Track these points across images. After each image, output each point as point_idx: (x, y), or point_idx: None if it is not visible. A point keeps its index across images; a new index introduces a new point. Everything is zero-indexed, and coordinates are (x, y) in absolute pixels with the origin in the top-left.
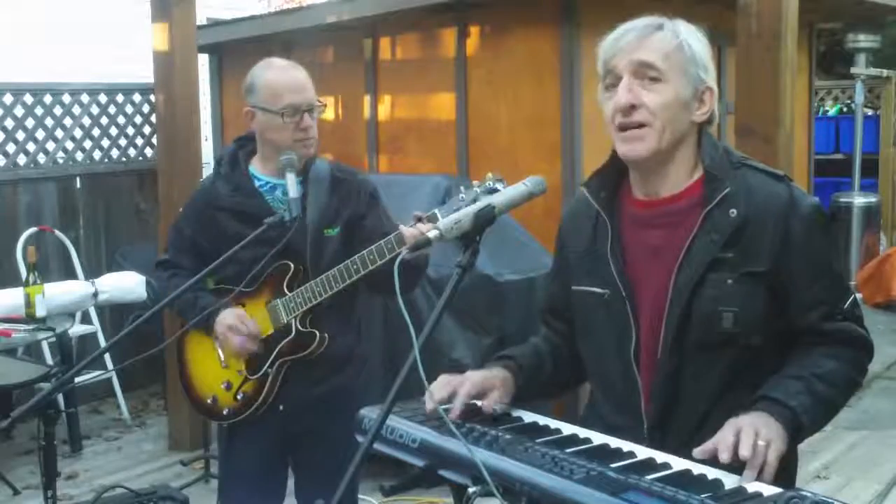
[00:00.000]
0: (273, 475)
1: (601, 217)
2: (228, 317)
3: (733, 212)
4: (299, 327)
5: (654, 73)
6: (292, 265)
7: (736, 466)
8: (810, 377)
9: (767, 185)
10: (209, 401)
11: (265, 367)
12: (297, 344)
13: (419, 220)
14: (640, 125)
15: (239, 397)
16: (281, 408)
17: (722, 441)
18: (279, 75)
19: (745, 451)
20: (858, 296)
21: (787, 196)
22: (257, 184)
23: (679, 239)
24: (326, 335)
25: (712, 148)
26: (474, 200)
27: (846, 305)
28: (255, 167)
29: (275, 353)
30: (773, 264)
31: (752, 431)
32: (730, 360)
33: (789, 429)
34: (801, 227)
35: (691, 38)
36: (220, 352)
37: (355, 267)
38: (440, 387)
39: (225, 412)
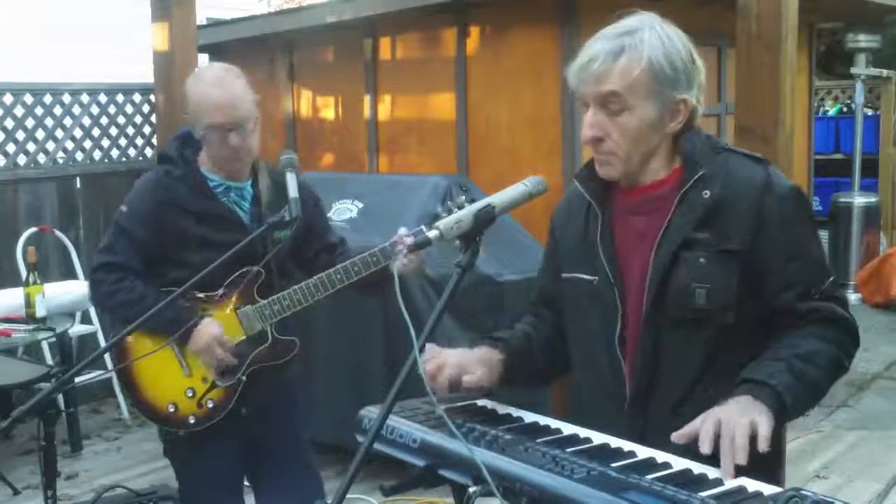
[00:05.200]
0: (234, 477)
1: (592, 207)
2: (211, 329)
3: (706, 193)
4: (276, 335)
5: (618, 104)
6: (263, 271)
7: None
8: (790, 357)
9: (745, 167)
10: (169, 409)
11: (239, 374)
12: (274, 352)
13: (409, 247)
14: (607, 153)
15: (209, 405)
16: (243, 411)
17: (703, 432)
18: (207, 92)
19: (725, 442)
20: (857, 296)
21: (763, 177)
22: (211, 184)
23: (659, 222)
24: (298, 341)
25: (694, 135)
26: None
27: (825, 286)
28: (205, 167)
29: (249, 359)
30: (748, 244)
31: (731, 423)
32: (706, 340)
33: (774, 408)
34: (775, 207)
35: (656, 53)
36: (179, 359)
37: (339, 277)
38: (428, 359)
39: (191, 420)
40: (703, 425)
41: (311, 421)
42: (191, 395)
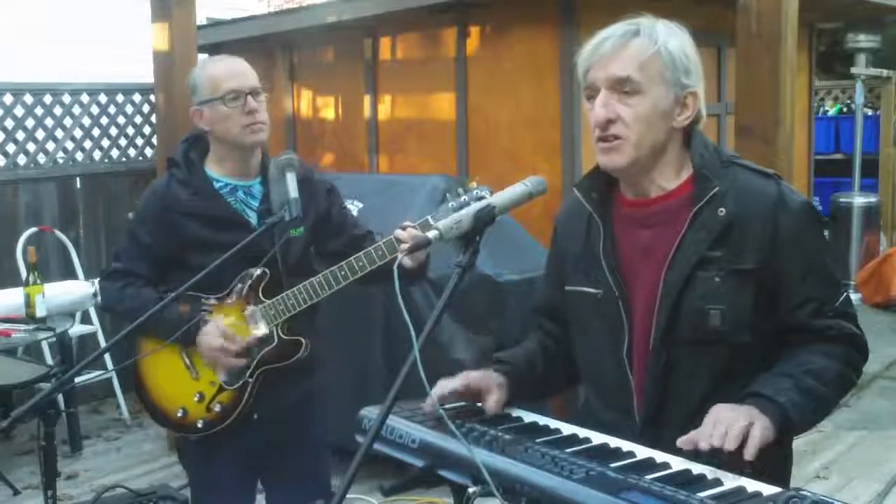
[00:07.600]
0: (245, 484)
1: (593, 218)
2: (215, 335)
3: (722, 211)
4: (282, 335)
5: (630, 86)
6: (268, 271)
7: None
8: (799, 374)
9: (756, 183)
10: (178, 414)
11: (245, 376)
12: (281, 352)
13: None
14: (616, 137)
15: (216, 408)
16: (255, 416)
17: (701, 431)
18: (217, 66)
19: (716, 442)
20: (857, 296)
21: (775, 194)
22: (216, 185)
23: (669, 238)
24: (308, 341)
25: (703, 147)
26: (461, 207)
27: (838, 303)
28: (211, 168)
29: (256, 361)
30: (762, 262)
31: (726, 421)
32: (719, 358)
33: (777, 424)
34: (789, 224)
35: (670, 41)
36: (187, 362)
37: (343, 273)
38: (438, 388)
39: (199, 424)
40: (702, 427)
41: (330, 433)
42: (199, 399)
